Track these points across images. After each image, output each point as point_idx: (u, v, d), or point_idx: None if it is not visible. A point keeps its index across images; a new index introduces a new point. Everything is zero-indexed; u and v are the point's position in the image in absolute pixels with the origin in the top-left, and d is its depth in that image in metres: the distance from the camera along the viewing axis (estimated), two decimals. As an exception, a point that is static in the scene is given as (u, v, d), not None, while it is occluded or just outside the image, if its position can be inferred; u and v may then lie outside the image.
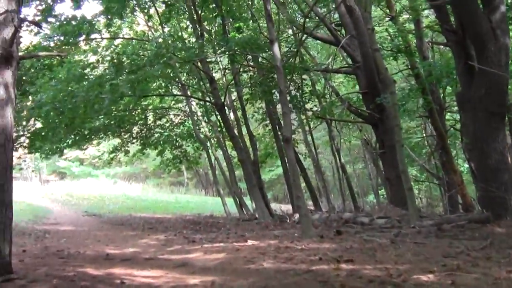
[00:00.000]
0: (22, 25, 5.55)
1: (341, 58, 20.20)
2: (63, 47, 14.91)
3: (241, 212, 18.52)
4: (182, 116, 21.81)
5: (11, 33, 5.10)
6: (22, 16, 5.71)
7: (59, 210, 21.55)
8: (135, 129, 21.10)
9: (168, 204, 26.60)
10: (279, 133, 17.99)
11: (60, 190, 33.07)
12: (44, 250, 8.47)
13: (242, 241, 9.02)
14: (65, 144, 17.65)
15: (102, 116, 16.95)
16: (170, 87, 20.22)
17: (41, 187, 36.04)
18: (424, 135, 22.11)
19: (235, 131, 16.91)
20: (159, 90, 19.34)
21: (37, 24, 11.34)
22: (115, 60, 13.37)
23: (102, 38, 16.49)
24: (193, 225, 14.21)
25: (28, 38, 15.60)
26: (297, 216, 13.41)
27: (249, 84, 18.76)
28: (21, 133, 15.83)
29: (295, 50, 14.92)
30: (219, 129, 19.95)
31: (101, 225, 15.42)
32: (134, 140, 21.23)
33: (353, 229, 10.34)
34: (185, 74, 19.09)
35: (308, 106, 19.69)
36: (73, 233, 12.83)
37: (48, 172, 49.71)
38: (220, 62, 19.05)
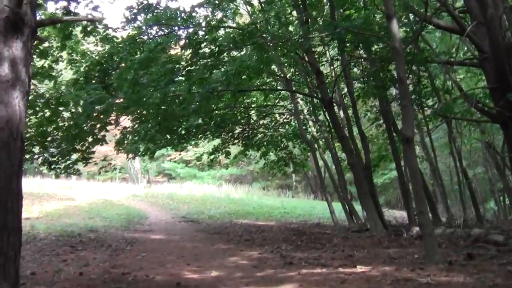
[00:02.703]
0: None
1: (465, 49, 17.88)
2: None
3: (350, 221, 16.70)
4: (287, 115, 20.24)
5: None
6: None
7: (156, 215, 20.61)
8: (237, 129, 19.78)
9: (273, 209, 25.05)
10: (394, 134, 16.10)
11: (161, 192, 32.51)
12: (105, 273, 7.14)
13: (350, 265, 7.33)
14: (157, 144, 16.53)
15: (202, 115, 15.74)
16: (275, 84, 18.79)
17: (144, 189, 35.70)
18: None
19: (345, 131, 15.10)
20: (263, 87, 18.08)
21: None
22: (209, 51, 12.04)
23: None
24: (295, 237, 12.58)
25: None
26: (415, 230, 11.46)
27: (361, 79, 16.91)
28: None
29: (414, 37, 12.92)
30: (327, 129, 18.26)
31: (195, 234, 14.13)
32: (236, 141, 19.93)
33: (486, 251, 8.32)
34: (288, 67, 17.56)
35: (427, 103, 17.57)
36: (160, 244, 11.58)
37: (154, 174, 50.01)
38: (327, 52, 17.33)
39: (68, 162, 13.18)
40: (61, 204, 22.35)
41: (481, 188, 30.14)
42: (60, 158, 12.30)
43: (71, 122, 12.60)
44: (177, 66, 12.25)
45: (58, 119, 12.40)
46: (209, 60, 12.42)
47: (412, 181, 7.58)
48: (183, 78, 13.15)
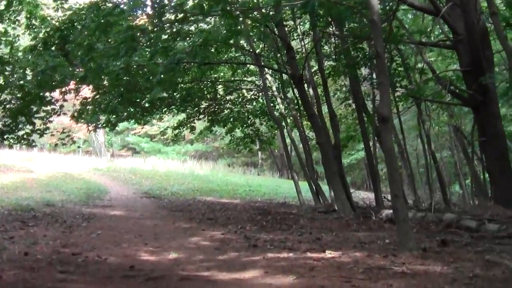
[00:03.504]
0: None
1: (438, 31, 17.56)
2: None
3: (317, 201, 16.31)
4: (255, 91, 19.68)
5: None
6: None
7: (117, 190, 19.88)
8: (203, 104, 19.15)
9: (238, 187, 24.51)
10: (363, 114, 15.75)
11: (124, 167, 31.62)
12: (54, 253, 6.56)
13: (318, 249, 6.91)
14: (119, 117, 15.78)
15: (167, 88, 15.08)
16: (244, 59, 18.18)
17: (106, 163, 34.72)
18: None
19: (314, 110, 14.63)
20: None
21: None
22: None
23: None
24: (260, 217, 12.14)
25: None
26: (384, 213, 11.14)
27: (332, 56, 16.43)
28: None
29: (389, 15, 12.46)
30: (295, 106, 17.79)
31: (156, 211, 13.58)
32: (202, 116, 19.32)
33: (460, 237, 7.99)
34: (258, 41, 16.99)
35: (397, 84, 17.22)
36: (119, 221, 10.99)
37: (118, 148, 49.03)
38: (299, 27, 16.80)
39: (22, 132, 12.38)
40: (18, 176, 21.48)
41: (446, 172, 30.28)
42: (14, 128, 11.50)
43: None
44: (139, 34, 11.44)
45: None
46: (174, 26, 11.73)
47: (387, 163, 7.15)
48: (147, 48, 12.52)
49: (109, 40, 11.61)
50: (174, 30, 11.93)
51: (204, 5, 10.34)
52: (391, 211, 11.18)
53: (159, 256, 6.62)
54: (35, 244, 7.25)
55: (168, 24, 11.66)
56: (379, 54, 7.00)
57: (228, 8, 10.79)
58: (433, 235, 8.45)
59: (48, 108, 12.87)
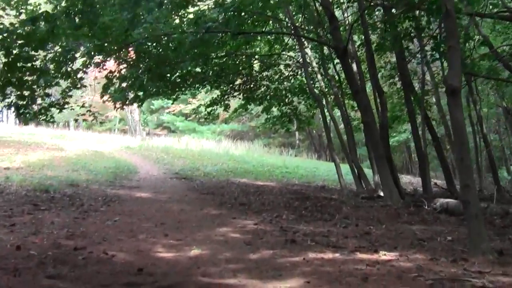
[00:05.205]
0: None
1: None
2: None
3: (359, 185, 15.15)
4: (293, 67, 18.40)
5: None
6: None
7: (147, 170, 18.89)
8: (238, 80, 17.99)
9: (275, 168, 23.30)
10: (410, 94, 14.62)
11: (157, 145, 30.66)
12: (52, 247, 5.49)
13: (369, 248, 5.78)
14: (148, 92, 14.71)
15: (199, 62, 14.03)
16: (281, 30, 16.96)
17: (139, 142, 33.87)
18: None
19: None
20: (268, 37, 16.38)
21: None
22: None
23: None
24: (298, 202, 10.98)
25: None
26: (439, 202, 9.85)
27: (377, 30, 15.07)
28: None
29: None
30: (337, 84, 16.51)
31: (185, 194, 12.50)
32: (236, 93, 18.18)
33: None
34: (296, 13, 15.79)
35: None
36: (142, 204, 9.97)
37: (153, 126, 48.34)
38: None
39: (40, 107, 11.40)
40: (47, 154, 20.68)
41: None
42: (29, 102, 10.53)
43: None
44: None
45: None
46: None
47: (456, 144, 5.85)
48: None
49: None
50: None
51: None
52: (447, 200, 9.98)
53: (178, 253, 5.51)
54: (35, 234, 6.22)
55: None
56: (449, 12, 5.71)
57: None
58: (501, 231, 7.24)
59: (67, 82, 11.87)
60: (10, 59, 9.41)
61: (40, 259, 4.87)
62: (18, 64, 9.64)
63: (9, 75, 9.74)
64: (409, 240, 6.35)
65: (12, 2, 11.63)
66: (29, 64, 9.84)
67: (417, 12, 13.16)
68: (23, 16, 11.40)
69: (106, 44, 10.93)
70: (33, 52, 9.77)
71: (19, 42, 9.50)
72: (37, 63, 10.82)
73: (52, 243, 5.69)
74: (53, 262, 4.75)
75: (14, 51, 9.56)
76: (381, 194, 12.21)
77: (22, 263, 4.64)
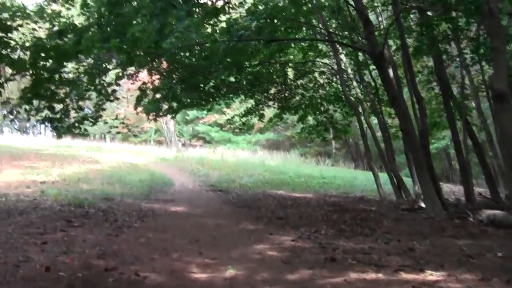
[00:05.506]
0: None
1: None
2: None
3: (399, 196, 14.68)
4: (328, 74, 18.07)
5: None
6: None
7: (182, 182, 18.73)
8: (272, 89, 17.73)
9: (311, 178, 22.91)
10: (449, 99, 14.14)
11: (192, 156, 30.60)
12: (83, 267, 5.27)
13: (414, 267, 5.42)
14: (181, 103, 14.55)
15: (232, 71, 13.84)
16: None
17: (174, 153, 33.84)
18: None
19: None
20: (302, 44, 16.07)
21: None
22: None
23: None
24: (337, 215, 10.60)
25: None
26: (485, 214, 9.32)
27: (413, 34, 14.63)
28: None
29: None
30: (373, 90, 16.11)
31: (220, 207, 12.26)
32: (271, 102, 17.91)
33: None
34: (329, 19, 15.46)
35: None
36: (177, 220, 9.76)
37: (188, 137, 48.39)
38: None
39: (74, 120, 11.32)
40: (82, 167, 20.74)
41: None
42: (63, 116, 10.44)
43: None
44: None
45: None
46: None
47: (505, 151, 5.44)
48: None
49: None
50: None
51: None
52: (493, 211, 9.44)
53: (213, 273, 5.25)
54: (66, 253, 6.03)
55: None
56: (492, 12, 5.31)
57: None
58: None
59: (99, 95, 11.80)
60: (35, 71, 9.33)
61: (69, 281, 4.68)
62: (45, 76, 9.55)
63: (36, 87, 9.66)
64: (456, 257, 5.94)
65: (45, 15, 11.63)
66: (56, 76, 9.73)
67: (455, 13, 12.73)
68: (56, 29, 11.39)
69: (137, 55, 10.76)
70: (59, 65, 9.68)
71: (44, 54, 9.41)
72: (70, 75, 10.79)
73: (83, 263, 5.49)
74: (83, 284, 4.54)
75: (42, 63, 9.48)
76: (422, 205, 11.72)
77: (50, 286, 4.42)
